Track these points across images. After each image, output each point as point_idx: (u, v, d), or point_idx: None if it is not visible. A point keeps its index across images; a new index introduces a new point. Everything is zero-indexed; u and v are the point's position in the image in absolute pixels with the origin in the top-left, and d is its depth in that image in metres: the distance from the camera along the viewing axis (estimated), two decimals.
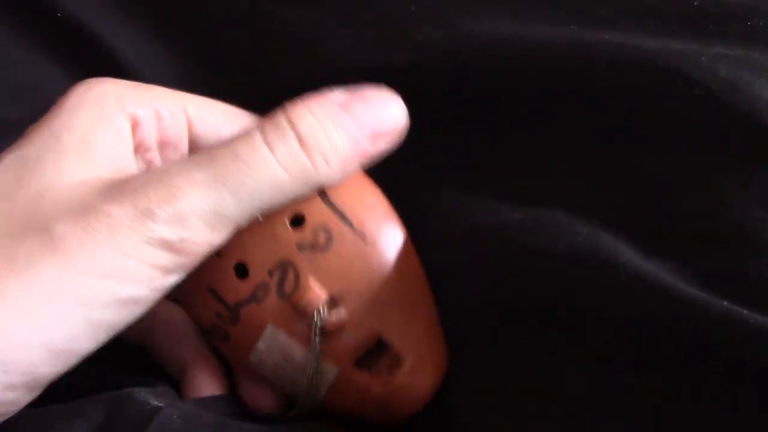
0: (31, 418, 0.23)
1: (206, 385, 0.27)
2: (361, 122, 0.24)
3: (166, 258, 0.22)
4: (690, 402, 0.21)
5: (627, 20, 0.27)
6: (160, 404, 0.23)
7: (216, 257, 0.25)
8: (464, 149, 0.28)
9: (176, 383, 0.28)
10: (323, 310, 0.24)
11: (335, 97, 0.24)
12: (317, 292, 0.24)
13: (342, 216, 0.25)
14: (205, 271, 0.25)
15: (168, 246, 0.22)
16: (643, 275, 0.21)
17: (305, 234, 0.25)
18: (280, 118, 0.23)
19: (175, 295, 0.27)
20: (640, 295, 0.21)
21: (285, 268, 0.25)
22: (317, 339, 0.24)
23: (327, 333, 0.24)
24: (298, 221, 0.25)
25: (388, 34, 0.29)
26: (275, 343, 0.25)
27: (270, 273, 0.25)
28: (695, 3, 0.26)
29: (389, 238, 0.25)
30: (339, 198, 0.25)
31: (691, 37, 0.26)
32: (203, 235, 0.22)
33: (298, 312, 0.24)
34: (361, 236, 0.25)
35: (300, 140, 0.23)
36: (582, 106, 0.25)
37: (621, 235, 0.23)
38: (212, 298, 0.26)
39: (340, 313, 0.24)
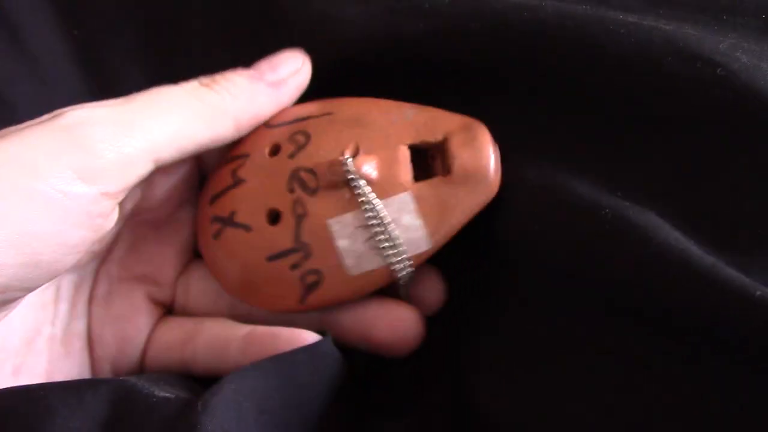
0: (28, 398, 0.22)
1: (282, 335, 0.26)
2: (259, 67, 0.27)
3: (74, 154, 0.22)
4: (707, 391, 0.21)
5: (639, 6, 0.26)
6: (166, 395, 0.22)
7: (248, 233, 0.26)
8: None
9: None
10: (350, 163, 0.24)
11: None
12: (332, 158, 0.25)
13: (300, 119, 0.26)
14: (256, 251, 0.26)
15: (75, 141, 0.22)
16: (680, 254, 0.21)
17: (287, 147, 0.26)
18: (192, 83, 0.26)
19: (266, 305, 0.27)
20: (672, 271, 0.21)
21: (296, 177, 0.25)
22: (363, 186, 0.24)
23: (371, 177, 0.25)
24: (276, 149, 0.26)
25: (396, 5, 0.28)
26: (348, 228, 0.25)
27: (291, 190, 0.25)
28: None
29: (354, 95, 0.27)
30: (287, 115, 0.27)
31: (705, 27, 0.26)
32: (113, 137, 0.23)
33: (337, 186, 0.25)
34: (328, 113, 0.26)
35: (202, 84, 0.26)
36: (597, 81, 0.24)
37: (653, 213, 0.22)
38: (279, 260, 0.25)
39: (364, 157, 0.25)
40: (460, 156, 0.25)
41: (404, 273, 0.25)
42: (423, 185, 0.25)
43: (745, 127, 0.22)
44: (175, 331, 0.28)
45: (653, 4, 0.26)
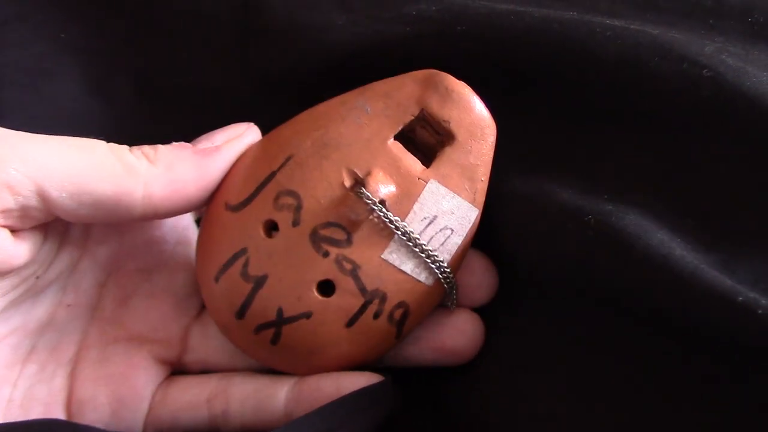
0: None
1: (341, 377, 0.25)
2: (197, 138, 0.25)
3: None
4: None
5: (626, 12, 0.26)
6: None
7: (311, 319, 0.24)
8: None
9: None
10: (366, 192, 0.23)
11: None
12: (341, 196, 0.24)
13: (265, 182, 0.24)
14: (331, 327, 0.24)
15: None
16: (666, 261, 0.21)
17: (283, 218, 0.24)
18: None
19: None
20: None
21: (320, 238, 0.24)
22: (386, 212, 0.23)
23: (391, 193, 0.24)
24: (271, 226, 0.24)
25: (383, 12, 0.28)
26: (403, 250, 0.24)
27: (325, 254, 0.24)
28: None
29: (296, 132, 0.25)
30: (245, 188, 0.25)
31: (692, 31, 0.26)
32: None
33: (366, 221, 0.24)
34: (288, 157, 0.24)
35: (130, 149, 0.24)
36: (583, 82, 0.25)
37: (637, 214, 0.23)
38: (359, 320, 0.24)
39: (371, 180, 0.24)
40: (450, 116, 0.24)
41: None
42: (437, 164, 0.24)
43: (733, 127, 0.22)
44: (195, 389, 0.26)
45: (641, 9, 0.26)
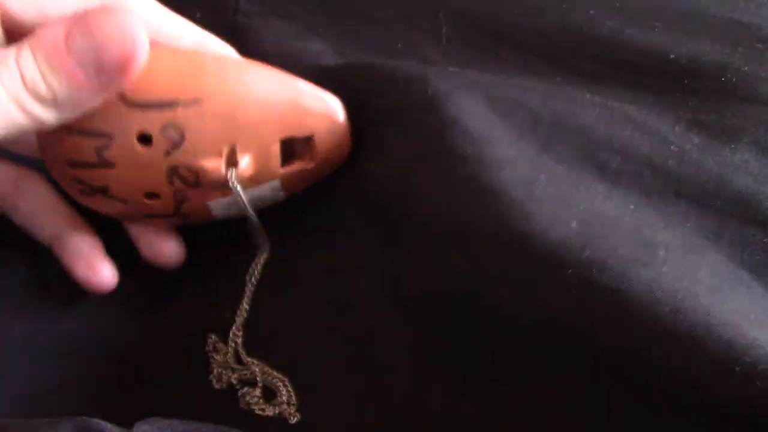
0: None
1: (85, 248, 0.29)
2: (82, 58, 0.22)
3: None
4: None
5: (605, 72, 0.27)
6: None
7: (124, 203, 0.27)
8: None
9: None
10: (233, 176, 0.26)
11: (57, 32, 0.22)
12: (213, 167, 0.26)
13: (167, 105, 0.25)
14: (134, 212, 0.28)
15: None
16: None
17: (159, 142, 0.25)
18: (9, 56, 0.22)
19: None
20: None
21: (176, 173, 0.26)
22: (239, 190, 0.26)
23: (247, 176, 0.26)
24: (146, 139, 0.25)
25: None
26: (223, 204, 0.28)
27: (170, 182, 0.26)
28: (671, 56, 0.27)
29: (218, 83, 0.25)
30: (148, 92, 0.25)
31: (665, 92, 0.27)
32: None
33: (219, 186, 0.26)
34: (197, 100, 0.25)
35: (23, 82, 0.22)
36: None
37: None
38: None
39: (243, 163, 0.26)
40: (324, 130, 0.27)
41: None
42: (291, 169, 0.27)
43: (698, 208, 0.24)
44: None
45: (618, 69, 0.27)
